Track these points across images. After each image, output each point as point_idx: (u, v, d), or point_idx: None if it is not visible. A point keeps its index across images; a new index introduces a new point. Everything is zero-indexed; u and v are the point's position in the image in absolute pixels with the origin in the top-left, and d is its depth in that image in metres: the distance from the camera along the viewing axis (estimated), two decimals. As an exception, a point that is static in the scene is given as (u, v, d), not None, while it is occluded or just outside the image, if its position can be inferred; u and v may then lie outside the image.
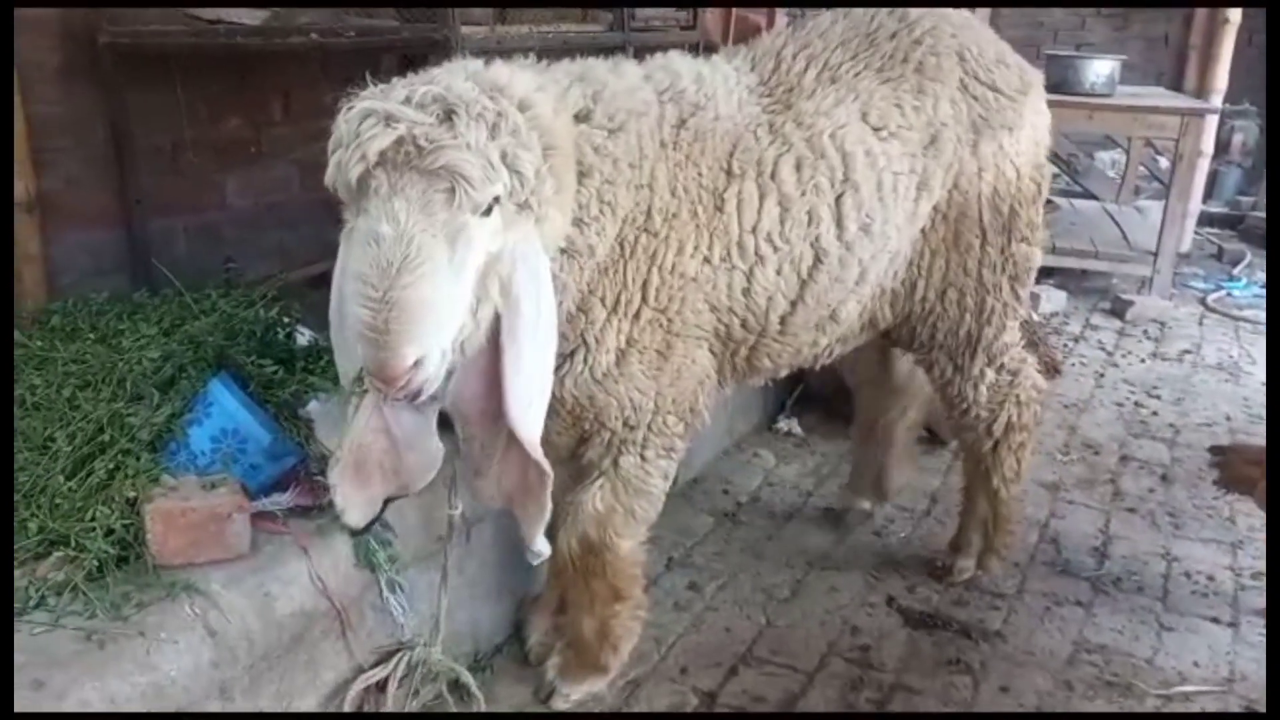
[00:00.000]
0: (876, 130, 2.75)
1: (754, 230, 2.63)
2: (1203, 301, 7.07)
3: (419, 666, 2.63)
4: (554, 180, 2.20)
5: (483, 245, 2.08)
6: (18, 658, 2.03)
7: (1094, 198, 9.07)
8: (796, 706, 2.93)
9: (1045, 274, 7.06)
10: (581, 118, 2.41)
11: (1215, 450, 3.56)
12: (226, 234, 4.02)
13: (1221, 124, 8.95)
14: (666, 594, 3.46)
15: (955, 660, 3.14)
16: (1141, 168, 9.39)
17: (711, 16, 4.80)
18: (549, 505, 2.40)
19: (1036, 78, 3.05)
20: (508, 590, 3.15)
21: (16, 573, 2.24)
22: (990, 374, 3.17)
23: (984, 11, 10.68)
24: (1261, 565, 3.47)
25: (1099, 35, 11.45)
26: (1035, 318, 6.43)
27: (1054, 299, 6.80)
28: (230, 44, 3.13)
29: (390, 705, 2.57)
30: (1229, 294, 7.27)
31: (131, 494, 2.36)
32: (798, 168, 2.67)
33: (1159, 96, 7.36)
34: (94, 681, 2.05)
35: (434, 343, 2.03)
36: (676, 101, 2.59)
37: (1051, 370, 5.40)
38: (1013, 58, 3.00)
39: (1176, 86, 9.18)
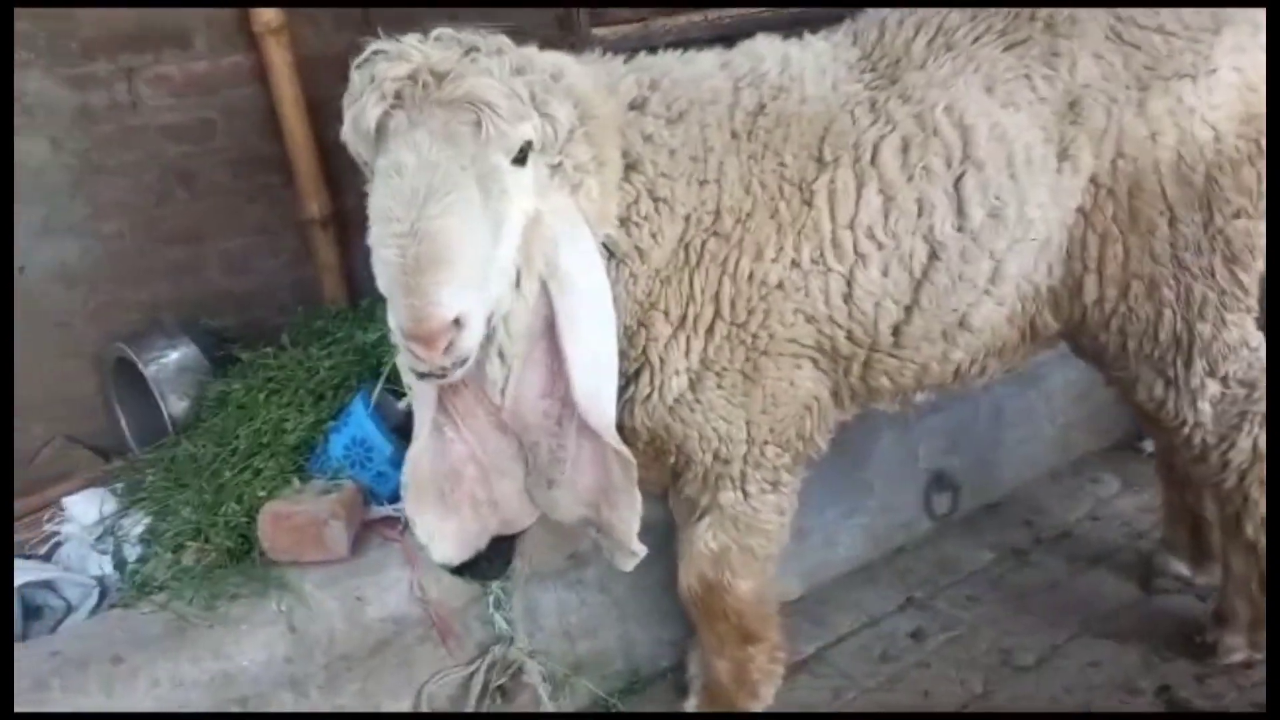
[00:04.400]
0: (1003, 107, 2.22)
1: (851, 225, 2.22)
2: None
3: (498, 663, 2.62)
4: (591, 149, 2.04)
5: (519, 200, 1.91)
6: (115, 634, 2.39)
7: None
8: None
9: None
10: (635, 105, 2.20)
11: None
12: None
13: None
14: (880, 639, 3.02)
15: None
16: None
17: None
18: (639, 496, 2.17)
19: (1237, 12, 2.19)
20: (672, 614, 2.96)
21: (167, 557, 2.61)
22: (1213, 386, 2.36)
23: None
24: None
25: None
26: None
27: None
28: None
29: (471, 699, 2.60)
30: None
31: (261, 493, 2.64)
32: (904, 149, 2.23)
33: None
34: (167, 663, 2.36)
35: (474, 298, 1.81)
36: (756, 86, 2.26)
37: None
38: None
39: None
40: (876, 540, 3.35)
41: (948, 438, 3.47)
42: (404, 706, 2.59)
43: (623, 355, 2.19)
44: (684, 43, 2.51)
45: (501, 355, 2.01)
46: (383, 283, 1.79)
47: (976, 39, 2.30)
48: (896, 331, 2.31)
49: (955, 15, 2.33)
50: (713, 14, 3.17)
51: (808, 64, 2.31)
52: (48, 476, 3.27)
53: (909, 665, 2.90)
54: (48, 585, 2.79)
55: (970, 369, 2.46)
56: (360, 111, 1.84)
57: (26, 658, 2.33)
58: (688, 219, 2.17)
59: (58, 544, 2.92)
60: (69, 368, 3.46)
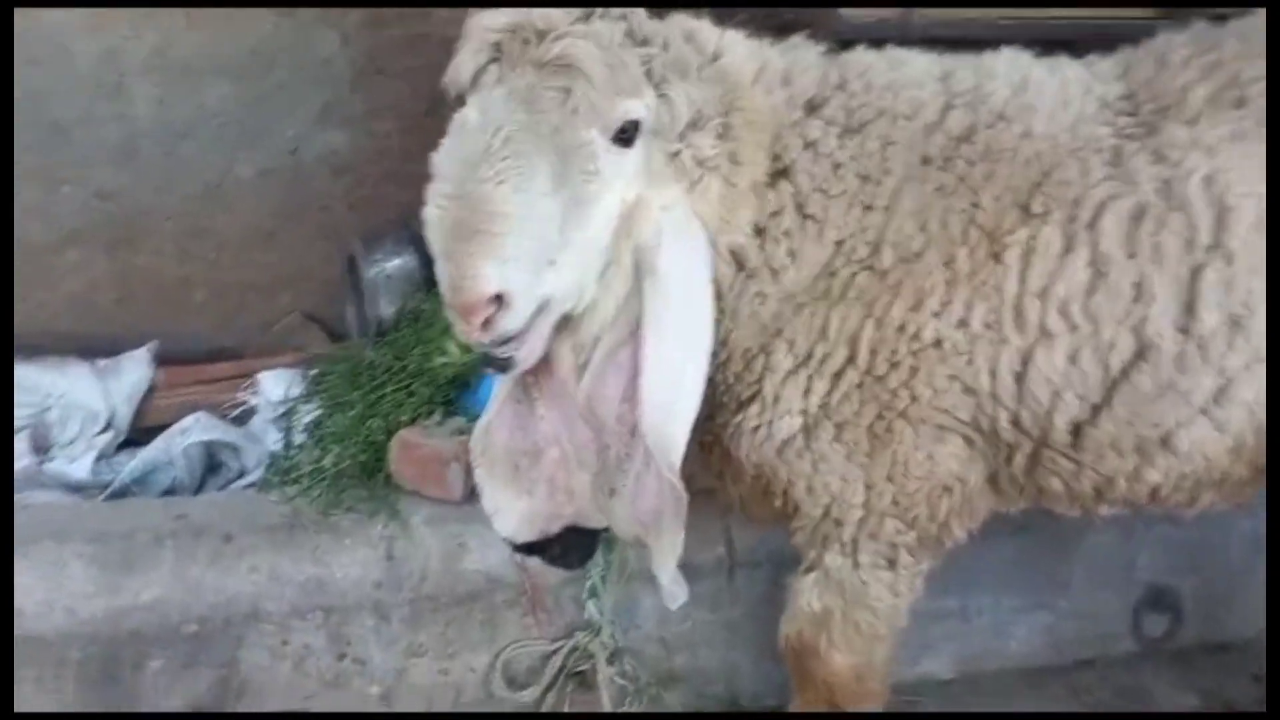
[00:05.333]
0: None
1: (1043, 294, 1.85)
2: None
3: (581, 650, 2.54)
4: (725, 145, 1.84)
5: (618, 184, 1.75)
6: (237, 512, 2.52)
7: None
8: None
9: None
10: (811, 107, 1.94)
11: None
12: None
13: None
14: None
15: None
16: None
17: None
18: (681, 538, 1.97)
19: None
20: (785, 653, 2.73)
21: (315, 454, 2.71)
22: None
23: None
24: None
25: None
26: None
27: None
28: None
29: (546, 677, 2.54)
30: None
31: (405, 417, 2.68)
32: (1135, 217, 1.82)
33: None
34: (270, 554, 2.46)
35: (524, 277, 1.66)
36: (972, 108, 1.92)
37: None
38: None
39: None
40: (1059, 645, 2.90)
41: (1182, 553, 2.93)
42: (481, 662, 2.56)
43: (738, 379, 1.99)
44: (951, 42, 2.17)
45: (580, 346, 1.86)
46: (430, 243, 1.69)
47: None
48: (1077, 431, 1.91)
49: (1258, 64, 1.85)
50: (1013, 12, 2.73)
51: (1049, 92, 1.93)
52: (275, 346, 3.52)
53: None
54: (232, 447, 3.02)
55: (1173, 495, 2.00)
56: (460, 61, 1.74)
57: (157, 512, 2.52)
58: (839, 245, 1.89)
59: (251, 412, 3.13)
60: (323, 250, 3.67)
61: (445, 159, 1.69)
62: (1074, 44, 2.27)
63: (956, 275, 1.87)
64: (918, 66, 1.98)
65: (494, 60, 1.71)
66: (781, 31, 2.10)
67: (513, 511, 2.07)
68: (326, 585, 2.45)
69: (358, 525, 2.50)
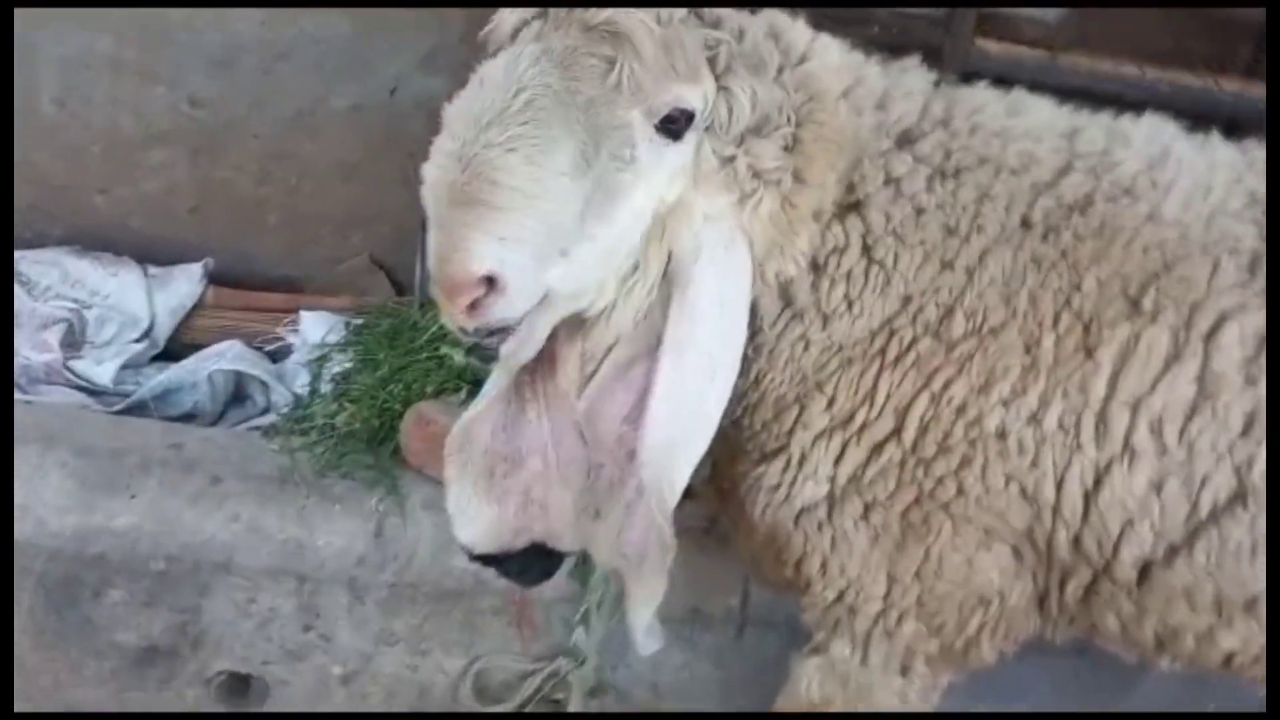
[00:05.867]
0: None
1: (1135, 405, 1.57)
2: None
3: (560, 677, 2.35)
4: (791, 160, 1.60)
5: (656, 179, 1.54)
6: (232, 455, 2.39)
7: None
8: None
9: None
10: (904, 139, 1.68)
11: None
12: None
13: None
14: None
15: None
16: None
17: None
18: (663, 587, 1.75)
19: None
20: None
21: (331, 408, 2.57)
22: None
23: None
24: None
25: None
26: None
27: None
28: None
29: (519, 696, 2.38)
30: None
31: (429, 389, 2.51)
32: (1264, 339, 1.48)
33: None
34: (254, 505, 2.33)
35: (524, 262, 1.46)
36: (1094, 175, 1.64)
37: None
38: None
39: None
40: (1094, 783, 2.59)
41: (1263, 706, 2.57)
42: (454, 666, 2.38)
43: (765, 427, 1.74)
44: (1096, 98, 1.87)
45: (589, 354, 1.66)
46: (424, 205, 1.50)
47: None
48: (1145, 571, 1.61)
49: None
50: (1176, 76, 2.38)
51: (1190, 174, 1.63)
52: (336, 286, 3.40)
53: None
54: (260, 382, 2.90)
55: (1251, 668, 1.69)
56: (503, 12, 1.55)
57: (152, 436, 2.41)
58: (905, 302, 1.62)
59: (288, 349, 3.01)
60: (403, 196, 3.46)
61: (456, 113, 1.49)
62: (1238, 124, 1.96)
63: (1037, 362, 1.59)
64: (1040, 117, 1.69)
65: (540, 16, 1.51)
66: (900, 52, 1.84)
67: (479, 519, 1.83)
68: (306, 550, 2.30)
69: (352, 493, 2.35)
